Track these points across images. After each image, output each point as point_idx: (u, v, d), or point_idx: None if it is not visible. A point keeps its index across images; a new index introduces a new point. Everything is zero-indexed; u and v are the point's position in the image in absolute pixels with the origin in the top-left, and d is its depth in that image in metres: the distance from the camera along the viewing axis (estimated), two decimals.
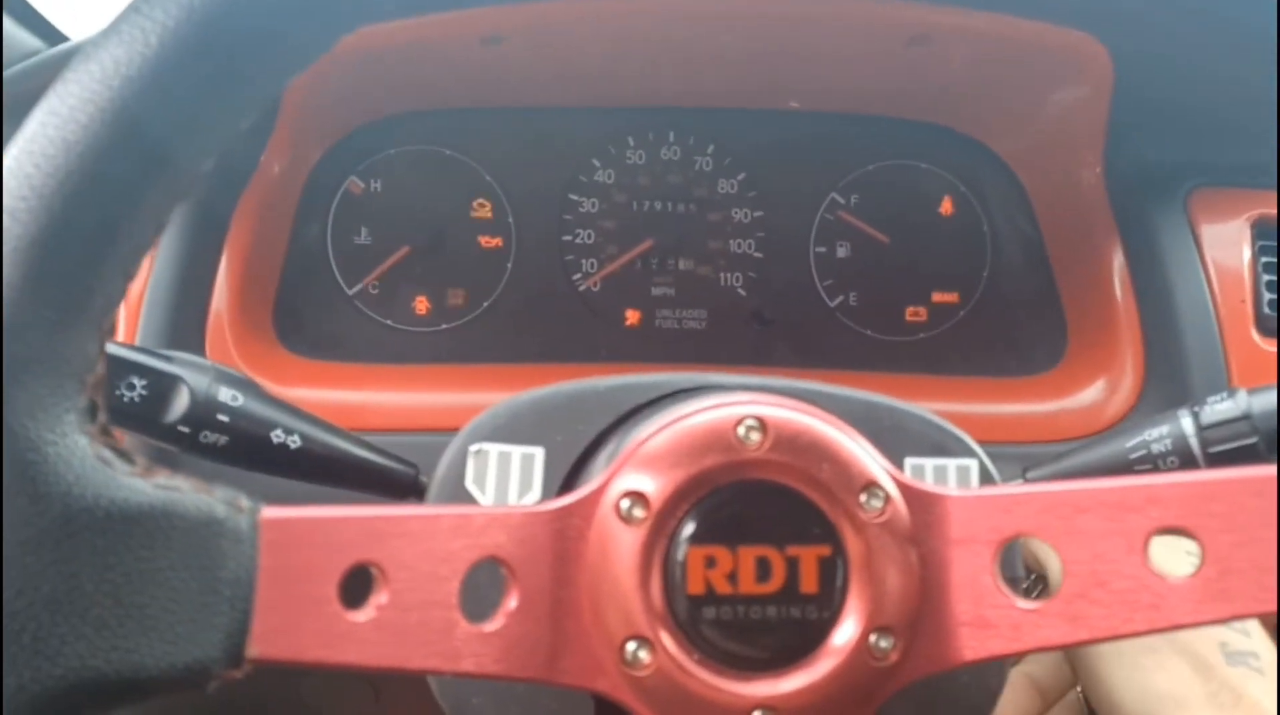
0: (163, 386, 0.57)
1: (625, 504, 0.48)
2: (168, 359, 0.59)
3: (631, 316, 1.09)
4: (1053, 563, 0.90)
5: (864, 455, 0.50)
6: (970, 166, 1.07)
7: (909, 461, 0.62)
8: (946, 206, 1.09)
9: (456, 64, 0.91)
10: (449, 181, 1.06)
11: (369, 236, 1.05)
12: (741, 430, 0.49)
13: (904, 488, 0.50)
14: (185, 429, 0.58)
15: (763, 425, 0.49)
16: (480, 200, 1.07)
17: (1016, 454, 0.90)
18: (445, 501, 0.60)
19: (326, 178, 1.02)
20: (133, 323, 0.83)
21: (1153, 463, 0.65)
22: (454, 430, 0.88)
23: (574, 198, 1.08)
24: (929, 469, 0.62)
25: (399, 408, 0.90)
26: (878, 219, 1.09)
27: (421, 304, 1.06)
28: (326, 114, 0.97)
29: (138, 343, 0.82)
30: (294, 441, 0.60)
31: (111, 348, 0.57)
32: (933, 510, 0.50)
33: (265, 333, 0.94)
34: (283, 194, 0.96)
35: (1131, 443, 0.66)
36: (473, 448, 0.61)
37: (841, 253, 1.09)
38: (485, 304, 1.06)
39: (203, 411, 0.58)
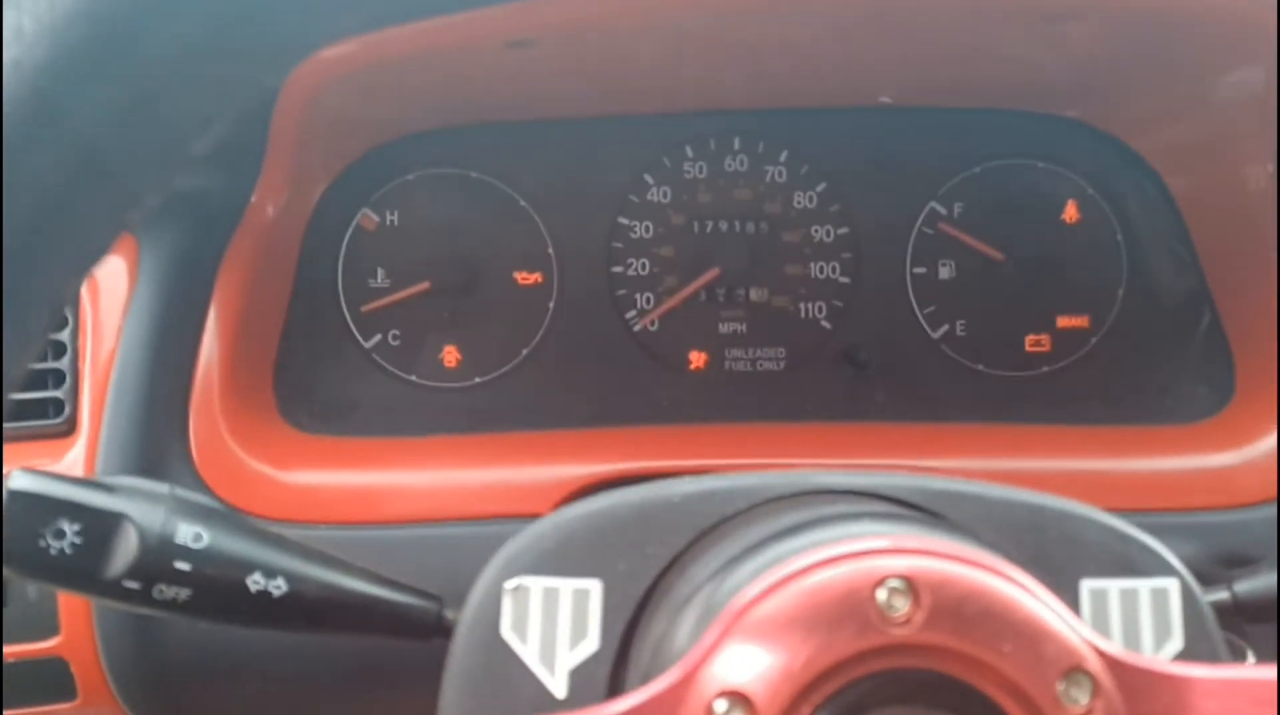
0: (102, 530, 0.46)
1: (721, 708, 0.36)
2: (108, 489, 0.47)
3: (696, 359, 0.96)
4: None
5: (1058, 623, 0.37)
6: (1100, 166, 0.94)
7: (1087, 585, 0.49)
8: (1070, 213, 0.95)
9: (480, 73, 0.80)
10: (478, 209, 0.95)
11: (386, 278, 0.94)
12: (883, 596, 0.37)
13: (1118, 668, 0.36)
14: (134, 584, 0.46)
15: (912, 587, 0.36)
16: (515, 230, 0.95)
17: (1181, 525, 0.77)
18: (475, 655, 0.48)
19: (334, 212, 0.91)
20: (99, 398, 0.72)
21: None
22: (490, 518, 0.77)
23: (624, 222, 0.96)
24: (1114, 595, 0.49)
25: (424, 491, 0.78)
26: (987, 231, 0.96)
27: (450, 355, 0.94)
28: (330, 138, 0.86)
29: (105, 424, 0.71)
30: (277, 587, 0.48)
31: (33, 481, 0.46)
32: (1161, 699, 0.37)
33: (263, 404, 0.83)
34: (281, 236, 0.85)
35: None
36: (509, 584, 0.49)
37: (944, 273, 0.96)
38: (524, 352, 0.95)
39: (156, 559, 0.46)
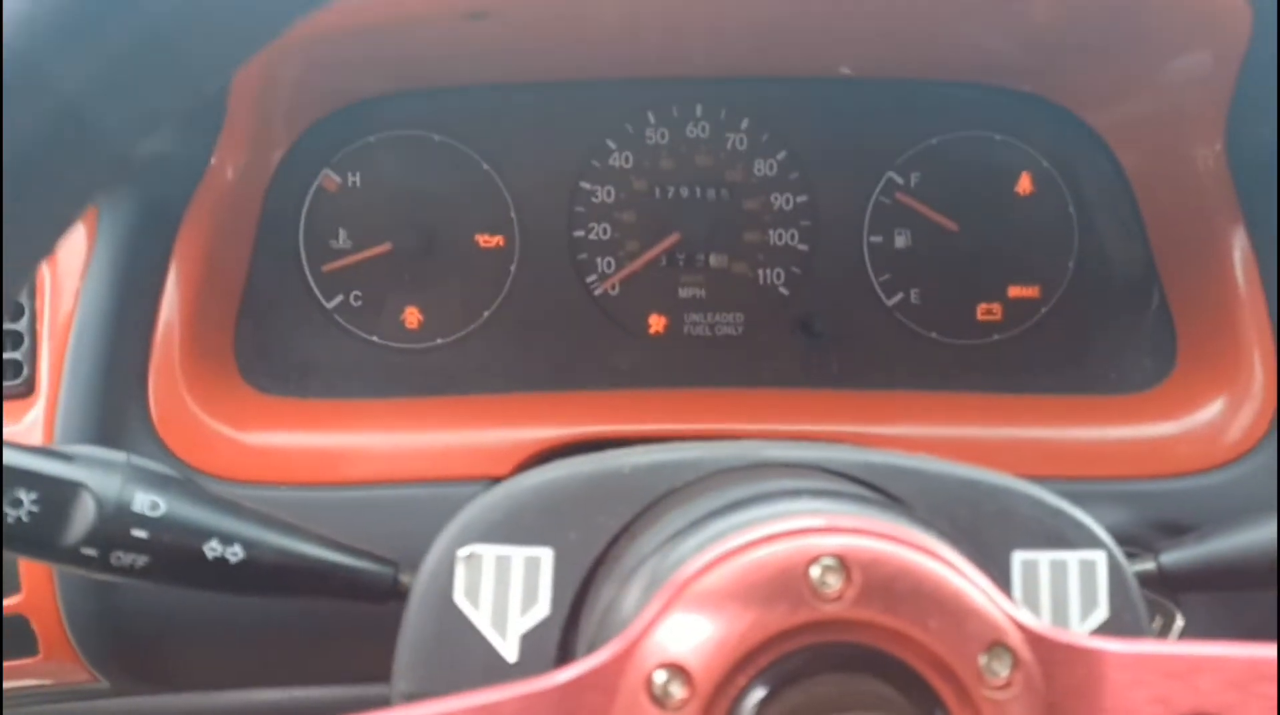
0: (60, 498, 0.46)
1: (660, 678, 0.37)
2: (65, 458, 0.48)
3: (656, 323, 0.97)
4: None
5: (982, 600, 0.38)
6: (1055, 140, 0.94)
7: (1018, 556, 0.51)
8: (1024, 185, 0.96)
9: (440, 41, 0.79)
10: (440, 171, 0.95)
11: (348, 239, 0.93)
12: (816, 573, 0.38)
13: (1037, 642, 0.38)
14: (91, 551, 0.47)
15: (844, 566, 0.38)
16: (477, 192, 0.94)
17: (1119, 493, 0.79)
18: (429, 621, 0.49)
19: (295, 173, 0.91)
20: (57, 363, 0.72)
21: None
22: (450, 480, 0.78)
23: (586, 186, 0.96)
24: (1044, 566, 0.51)
25: (384, 452, 0.79)
26: (943, 201, 0.96)
27: (412, 316, 0.94)
28: (290, 102, 0.85)
29: (64, 386, 0.71)
30: (234, 554, 0.49)
31: None
32: (1077, 671, 0.38)
33: (224, 365, 0.83)
34: (241, 196, 0.84)
35: None
36: (462, 552, 0.50)
37: (900, 242, 0.97)
38: (486, 314, 0.95)
39: (113, 527, 0.47)
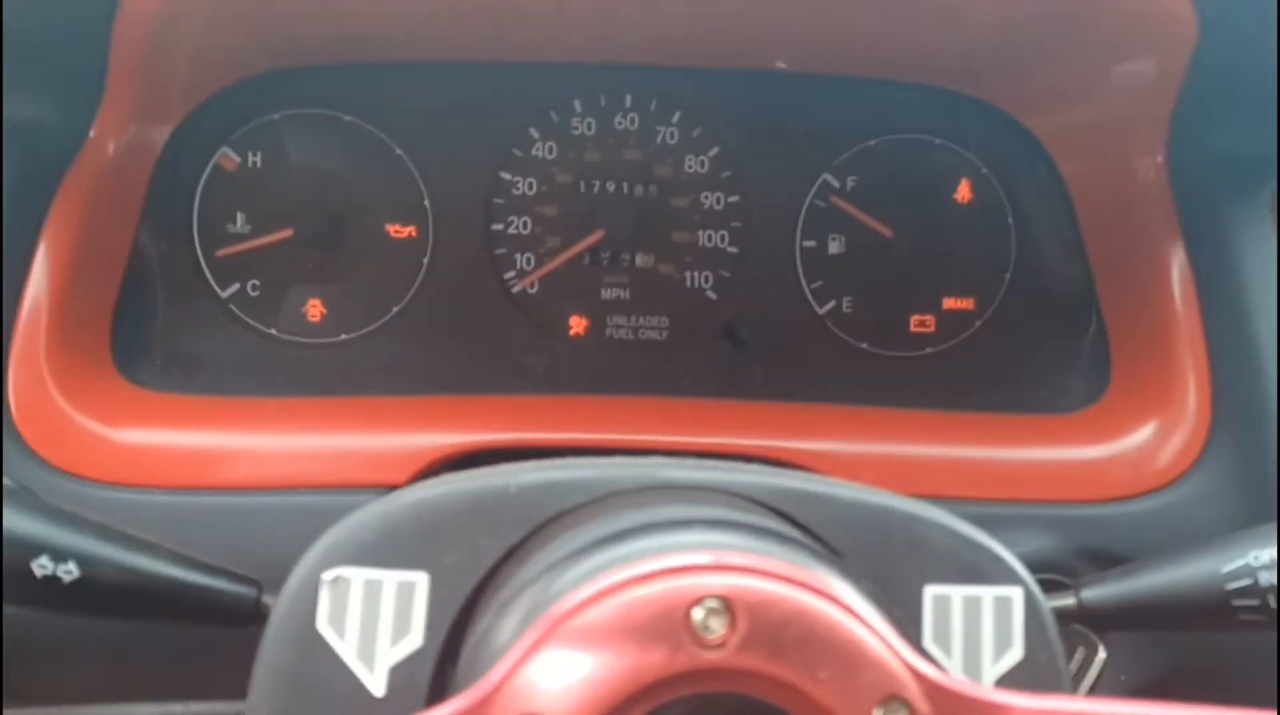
0: None
1: None
2: None
3: (576, 325, 0.93)
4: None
5: (879, 648, 0.35)
6: (995, 145, 0.93)
7: (930, 590, 0.48)
8: (963, 192, 0.94)
9: (353, 11, 0.74)
10: (349, 154, 0.90)
11: (247, 224, 0.89)
12: (699, 615, 0.35)
13: (938, 694, 0.35)
14: None
15: (729, 608, 0.35)
16: (389, 178, 0.90)
17: (1047, 517, 0.77)
18: (288, 649, 0.45)
19: (189, 150, 0.86)
20: None
21: (1259, 597, 0.51)
22: (343, 487, 0.74)
23: (506, 177, 0.92)
24: (956, 601, 0.48)
25: (273, 455, 0.74)
26: (879, 206, 0.94)
27: (314, 308, 0.90)
28: (186, 70, 0.80)
29: None
30: (68, 572, 0.45)
31: None
32: None
33: (97, 355, 0.78)
34: (125, 171, 0.79)
35: (1230, 567, 0.52)
36: (327, 575, 0.46)
37: (834, 248, 0.95)
38: (395, 309, 0.91)
39: None
